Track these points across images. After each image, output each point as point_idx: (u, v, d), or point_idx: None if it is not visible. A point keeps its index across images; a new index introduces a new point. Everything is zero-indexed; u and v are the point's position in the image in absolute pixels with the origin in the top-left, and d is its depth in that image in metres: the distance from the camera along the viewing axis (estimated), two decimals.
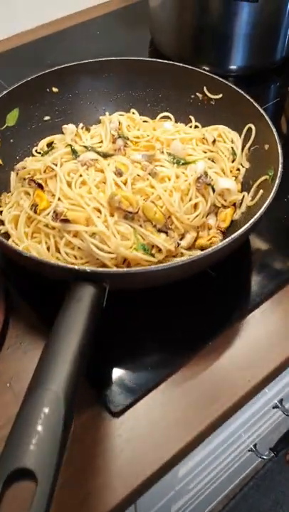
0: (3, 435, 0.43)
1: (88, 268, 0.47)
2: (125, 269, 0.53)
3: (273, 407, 0.94)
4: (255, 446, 1.10)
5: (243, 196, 0.64)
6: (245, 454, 1.13)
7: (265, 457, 1.11)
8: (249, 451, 1.10)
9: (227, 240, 0.50)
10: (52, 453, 0.35)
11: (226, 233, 0.63)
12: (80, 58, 0.97)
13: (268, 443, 1.17)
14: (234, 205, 0.64)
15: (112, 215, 0.57)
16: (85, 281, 0.47)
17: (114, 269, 0.53)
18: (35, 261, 0.49)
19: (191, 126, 0.73)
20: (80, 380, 0.41)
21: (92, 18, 1.08)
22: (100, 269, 0.50)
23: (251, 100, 0.65)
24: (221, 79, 0.69)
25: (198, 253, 0.60)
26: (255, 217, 0.53)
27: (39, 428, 0.36)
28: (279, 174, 0.56)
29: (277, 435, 1.20)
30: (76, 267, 0.48)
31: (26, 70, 0.94)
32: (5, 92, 0.66)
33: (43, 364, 0.41)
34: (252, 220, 0.52)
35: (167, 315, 0.58)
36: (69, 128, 0.72)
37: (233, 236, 0.50)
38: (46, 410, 0.37)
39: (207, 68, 0.89)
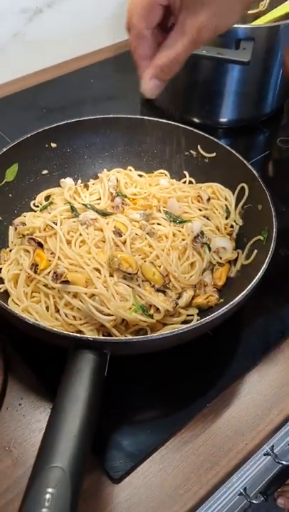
0: (3, 503, 0.43)
1: (91, 337, 0.48)
2: (127, 338, 0.53)
3: (264, 454, 0.94)
4: (245, 490, 1.09)
5: (238, 254, 0.66)
6: (235, 498, 1.12)
7: (255, 501, 1.10)
8: (239, 495, 1.10)
9: (228, 305, 0.51)
10: None
11: (221, 291, 0.64)
12: (74, 105, 1.00)
13: (257, 486, 1.17)
14: (229, 262, 0.66)
15: (111, 275, 0.58)
16: (87, 349, 0.48)
17: (116, 337, 0.54)
18: (37, 328, 0.49)
19: (185, 182, 0.75)
20: (88, 454, 0.41)
21: (85, 66, 1.11)
22: (102, 338, 0.51)
23: (244, 161, 0.68)
24: (214, 139, 0.71)
25: (195, 312, 0.62)
26: (255, 279, 0.54)
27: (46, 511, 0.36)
28: (274, 237, 0.58)
29: (267, 479, 1.20)
30: (78, 335, 0.49)
31: (21, 117, 0.97)
32: (5, 149, 0.67)
33: (47, 440, 0.41)
34: (252, 283, 0.54)
35: (164, 378, 0.59)
36: (66, 182, 0.73)
37: (234, 301, 0.52)
38: (53, 491, 0.37)
39: (198, 120, 0.92)
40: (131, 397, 0.57)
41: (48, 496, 0.37)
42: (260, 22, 0.95)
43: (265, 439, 0.55)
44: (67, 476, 0.38)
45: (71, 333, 0.49)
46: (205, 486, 0.51)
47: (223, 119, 0.92)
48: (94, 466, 0.51)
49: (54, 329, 0.49)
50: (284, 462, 0.94)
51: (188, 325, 0.51)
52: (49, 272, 0.58)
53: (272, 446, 0.94)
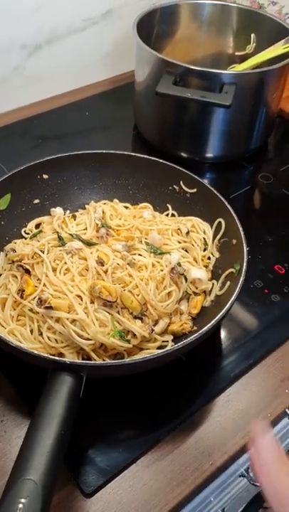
0: None
1: (68, 360, 0.52)
2: (102, 362, 0.58)
3: (240, 476, 0.97)
4: (223, 510, 1.12)
5: (213, 285, 0.70)
6: None
7: None
8: None
9: (199, 333, 0.56)
10: None
11: (196, 319, 0.68)
12: (68, 136, 1.06)
13: (237, 508, 1.19)
14: (204, 292, 0.70)
15: (92, 302, 0.63)
16: (64, 371, 0.52)
17: (92, 361, 0.58)
18: (19, 350, 0.54)
19: (168, 214, 0.80)
20: (58, 468, 0.45)
21: (81, 99, 1.17)
22: (79, 362, 0.55)
23: (222, 198, 0.73)
24: (195, 176, 0.76)
25: (170, 338, 0.66)
26: (224, 310, 0.59)
27: None
28: (244, 272, 0.63)
29: (246, 501, 1.22)
30: (56, 358, 0.53)
31: (18, 145, 1.02)
32: None
33: (22, 454, 0.45)
34: (221, 313, 0.59)
35: (138, 399, 0.63)
36: (57, 211, 0.78)
37: (204, 329, 0.56)
38: (25, 501, 0.41)
39: (185, 155, 0.98)
40: (106, 416, 0.61)
41: (20, 505, 0.40)
42: (248, 64, 1.02)
43: (230, 460, 0.59)
44: (38, 488, 0.42)
45: (49, 356, 0.53)
46: (170, 503, 0.55)
47: (208, 155, 0.98)
48: (67, 481, 0.55)
49: (34, 352, 0.53)
50: (258, 484, 0.97)
51: (161, 350, 0.56)
52: (34, 298, 0.63)
53: (248, 468, 0.97)
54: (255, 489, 1.20)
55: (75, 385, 0.51)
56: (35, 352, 0.53)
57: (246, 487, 1.13)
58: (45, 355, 0.54)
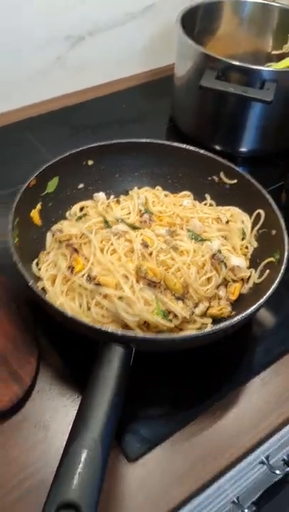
0: (39, 477, 0.50)
1: (120, 331, 0.55)
2: (152, 336, 0.61)
3: (260, 463, 1.00)
4: (238, 499, 1.15)
5: (251, 273, 0.73)
6: (227, 506, 1.18)
7: (247, 510, 1.15)
8: (232, 503, 1.15)
9: (242, 315, 0.59)
10: (92, 489, 0.43)
11: (234, 304, 0.71)
12: (105, 126, 1.09)
13: (250, 496, 1.22)
14: (242, 279, 0.73)
15: (137, 281, 0.66)
16: (116, 343, 0.55)
17: (142, 334, 0.61)
18: (75, 321, 0.57)
19: (206, 204, 0.83)
20: (114, 429, 0.49)
21: (118, 91, 1.20)
22: (130, 333, 0.58)
23: (262, 190, 0.75)
24: (236, 168, 0.79)
25: (209, 321, 0.69)
26: (267, 295, 0.61)
27: (81, 467, 0.44)
28: (285, 260, 0.66)
29: (260, 490, 1.25)
30: (110, 329, 0.56)
31: (56, 133, 1.05)
32: (48, 164, 0.75)
33: (81, 415, 0.48)
34: (265, 297, 0.61)
35: (180, 376, 0.66)
36: (99, 196, 0.82)
37: (247, 312, 0.59)
38: (87, 453, 0.45)
39: (219, 148, 1.01)
40: (149, 393, 0.64)
41: (83, 455, 0.44)
42: (285, 63, 1.05)
43: (264, 439, 0.62)
44: (98, 444, 0.46)
45: (103, 328, 0.56)
46: (209, 474, 0.58)
47: (243, 149, 1.00)
48: (113, 448, 0.58)
49: (90, 324, 0.56)
50: (277, 472, 1.00)
51: (206, 329, 0.58)
52: (83, 275, 0.66)
53: (268, 456, 1.00)
54: (271, 478, 1.23)
55: (126, 355, 0.54)
56: (90, 324, 0.56)
57: (265, 474, 1.16)
58: (99, 326, 0.57)
